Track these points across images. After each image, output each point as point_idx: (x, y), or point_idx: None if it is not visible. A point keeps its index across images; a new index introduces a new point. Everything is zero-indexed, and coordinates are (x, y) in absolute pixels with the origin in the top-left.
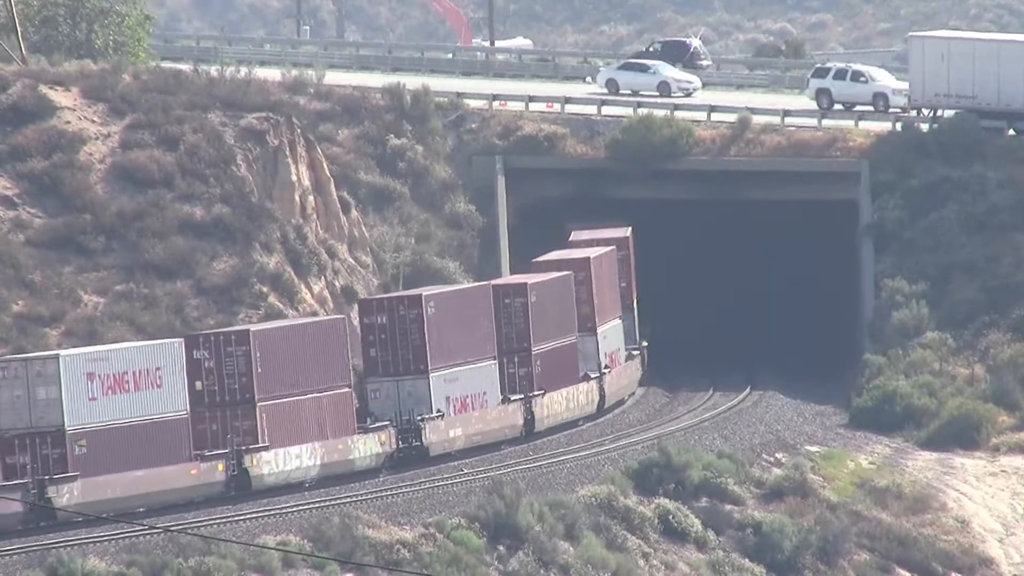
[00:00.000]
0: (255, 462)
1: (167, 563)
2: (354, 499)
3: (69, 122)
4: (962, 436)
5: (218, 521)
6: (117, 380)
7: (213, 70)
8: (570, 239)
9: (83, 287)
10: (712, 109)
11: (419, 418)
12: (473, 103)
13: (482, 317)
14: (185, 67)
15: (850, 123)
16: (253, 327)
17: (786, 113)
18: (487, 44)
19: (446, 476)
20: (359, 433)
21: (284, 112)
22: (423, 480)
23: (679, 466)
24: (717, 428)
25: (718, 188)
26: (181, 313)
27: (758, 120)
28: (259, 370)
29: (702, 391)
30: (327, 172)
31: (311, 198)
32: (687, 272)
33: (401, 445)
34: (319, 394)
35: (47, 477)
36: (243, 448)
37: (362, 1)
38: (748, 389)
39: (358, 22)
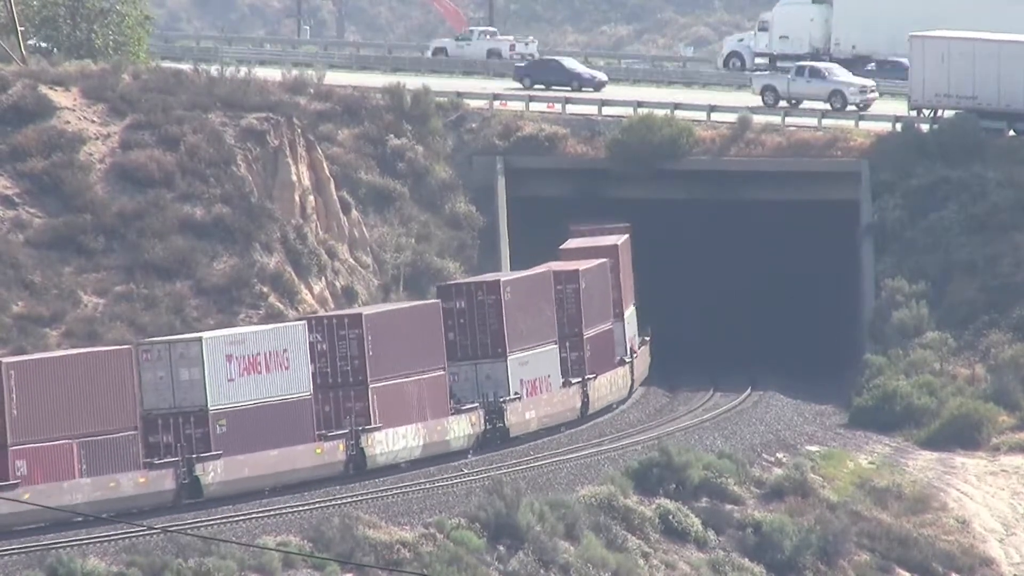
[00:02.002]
0: (370, 442)
1: (167, 563)
2: (354, 499)
3: (69, 122)
4: (962, 436)
5: (218, 521)
6: (251, 362)
7: (213, 70)
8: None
9: (83, 287)
10: (712, 109)
11: (501, 400)
12: (473, 103)
13: (545, 303)
14: (185, 67)
15: (850, 123)
16: (365, 310)
17: (786, 113)
18: None
19: (446, 476)
20: (453, 415)
21: (284, 112)
22: (423, 480)
23: (679, 466)
24: (717, 428)
25: (718, 188)
26: (181, 313)
27: (758, 120)
28: (371, 353)
29: (702, 391)
30: (327, 172)
31: (311, 198)
32: (687, 272)
33: (487, 427)
34: (420, 376)
35: (194, 456)
36: (360, 429)
37: (362, 1)
38: (748, 389)
39: (358, 22)
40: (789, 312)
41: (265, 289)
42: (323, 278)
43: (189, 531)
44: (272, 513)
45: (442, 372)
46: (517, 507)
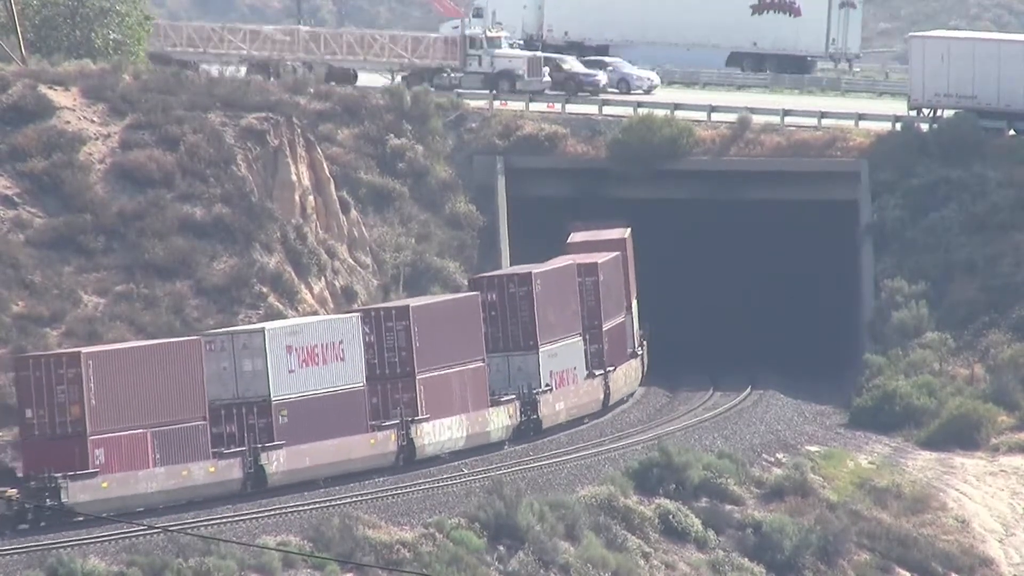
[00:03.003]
0: (418, 433)
1: (167, 563)
2: (354, 499)
3: (69, 122)
4: (962, 436)
5: (218, 521)
6: (309, 353)
7: (213, 70)
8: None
9: (83, 287)
10: (712, 109)
11: (535, 392)
12: (473, 103)
13: (570, 295)
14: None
15: (850, 123)
16: (412, 302)
17: (786, 113)
18: None
19: (446, 476)
20: (492, 406)
21: (284, 112)
22: (423, 480)
23: (679, 466)
24: (717, 428)
25: (718, 188)
26: (181, 313)
27: (758, 120)
28: (418, 344)
29: (702, 391)
30: (327, 172)
31: (311, 198)
32: (687, 272)
33: (522, 418)
34: (461, 368)
35: (260, 445)
36: (409, 419)
37: (362, 1)
38: (748, 389)
39: (358, 21)
40: (789, 312)
41: (265, 289)
42: (323, 278)
43: (189, 531)
44: (272, 513)
45: (481, 364)
46: (517, 507)
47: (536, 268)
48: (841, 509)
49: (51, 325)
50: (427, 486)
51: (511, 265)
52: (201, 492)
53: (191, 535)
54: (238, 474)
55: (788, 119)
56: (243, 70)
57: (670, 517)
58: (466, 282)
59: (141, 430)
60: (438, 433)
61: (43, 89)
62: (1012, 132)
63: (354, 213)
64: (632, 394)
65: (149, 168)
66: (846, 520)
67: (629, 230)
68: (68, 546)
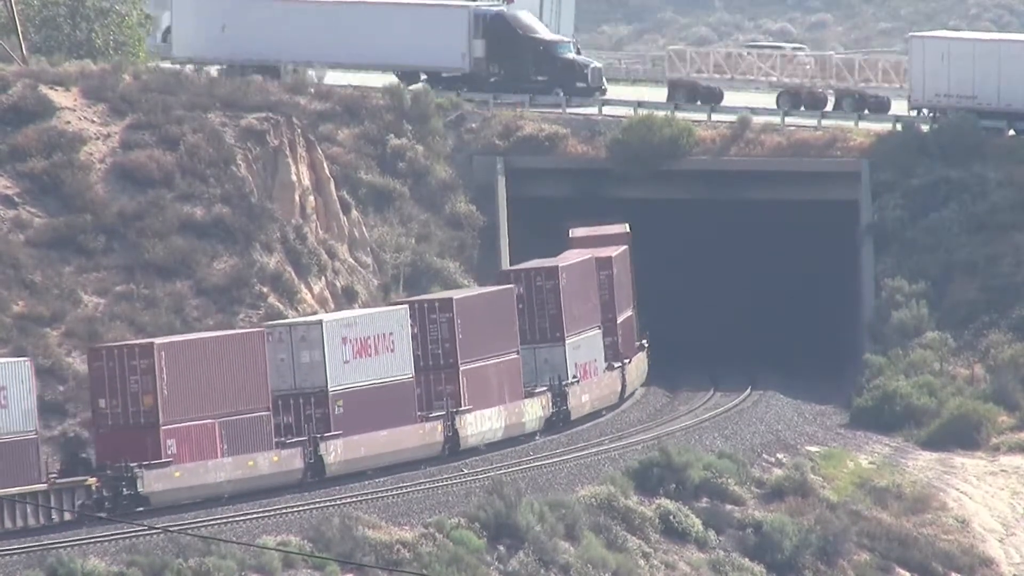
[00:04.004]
0: (462, 424)
1: (167, 563)
2: (354, 499)
3: (69, 122)
4: (962, 436)
5: (218, 521)
6: (363, 344)
7: (213, 70)
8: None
9: (83, 287)
10: (712, 109)
11: (564, 383)
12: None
13: (591, 288)
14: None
15: (850, 123)
16: (455, 295)
17: (786, 113)
18: None
19: (446, 476)
20: (527, 397)
21: (284, 112)
22: (423, 480)
23: (679, 466)
24: (717, 428)
25: (718, 188)
26: (181, 313)
27: (758, 120)
28: (460, 336)
29: (702, 391)
30: (327, 172)
31: (311, 198)
32: (687, 272)
33: (553, 409)
34: (499, 359)
35: (319, 436)
36: (454, 410)
37: None
38: (748, 389)
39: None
40: (789, 312)
41: (265, 289)
42: (323, 278)
43: (189, 531)
44: (272, 513)
45: (516, 356)
46: (517, 507)
47: (562, 261)
48: (841, 509)
49: (51, 325)
50: (427, 486)
51: (510, 265)
52: (266, 482)
53: (191, 535)
54: (299, 464)
55: (788, 119)
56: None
57: (670, 517)
58: (466, 282)
59: (210, 420)
60: (479, 424)
61: (43, 89)
62: (1012, 132)
63: (354, 213)
64: (643, 384)
65: (149, 168)
66: (846, 520)
67: (627, 227)
68: (68, 546)
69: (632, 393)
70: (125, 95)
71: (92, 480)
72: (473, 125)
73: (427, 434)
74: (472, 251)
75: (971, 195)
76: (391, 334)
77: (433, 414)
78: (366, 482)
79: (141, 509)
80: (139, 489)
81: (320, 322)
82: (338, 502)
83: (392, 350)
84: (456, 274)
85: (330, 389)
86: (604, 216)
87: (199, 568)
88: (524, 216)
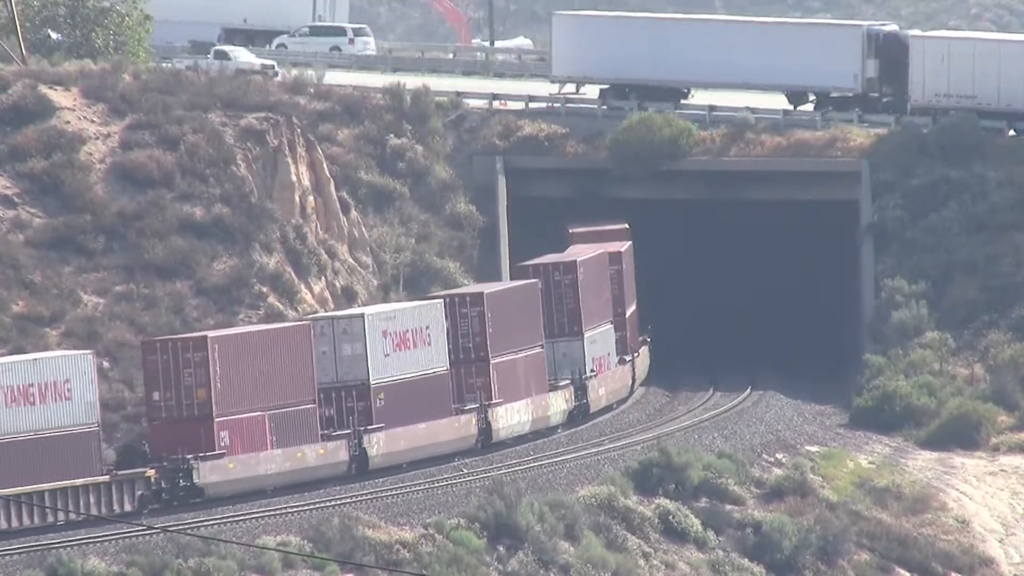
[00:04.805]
0: (494, 416)
1: (167, 563)
2: (354, 499)
3: (69, 122)
4: (962, 436)
5: (218, 521)
6: (402, 338)
7: (213, 70)
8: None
9: (83, 287)
10: (712, 109)
11: (584, 377)
12: (473, 103)
13: (604, 283)
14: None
15: (850, 123)
16: (486, 289)
17: (786, 113)
18: (487, 44)
19: (446, 476)
20: (551, 391)
21: (284, 112)
22: (423, 480)
23: (679, 466)
24: (717, 428)
25: (718, 188)
26: (181, 313)
27: (758, 120)
28: (491, 330)
29: (702, 391)
30: (327, 172)
31: (311, 198)
32: (687, 272)
33: (575, 403)
34: (526, 353)
35: (363, 428)
36: (486, 403)
37: (362, 1)
38: (748, 389)
39: (358, 21)
40: (789, 312)
41: (265, 289)
42: (323, 278)
43: (189, 531)
44: (272, 513)
45: (541, 349)
46: (517, 507)
47: (579, 256)
48: (841, 509)
49: (51, 325)
50: (427, 486)
51: (511, 265)
52: (313, 474)
53: (191, 535)
54: (344, 456)
55: (788, 119)
56: None
57: (670, 517)
58: (466, 281)
59: (260, 412)
60: (509, 417)
61: (43, 89)
62: (1012, 132)
63: (354, 213)
64: (647, 375)
65: (149, 168)
66: (846, 520)
67: (627, 225)
68: (68, 546)
69: (638, 385)
70: (125, 95)
71: (151, 472)
72: (473, 125)
73: (462, 427)
74: (472, 251)
75: (971, 195)
76: (427, 327)
77: (467, 407)
78: (366, 482)
79: (198, 500)
80: (195, 480)
81: (362, 315)
82: (338, 502)
83: (429, 343)
84: (456, 274)
85: (372, 382)
86: (604, 216)
87: (199, 568)
88: (524, 216)
